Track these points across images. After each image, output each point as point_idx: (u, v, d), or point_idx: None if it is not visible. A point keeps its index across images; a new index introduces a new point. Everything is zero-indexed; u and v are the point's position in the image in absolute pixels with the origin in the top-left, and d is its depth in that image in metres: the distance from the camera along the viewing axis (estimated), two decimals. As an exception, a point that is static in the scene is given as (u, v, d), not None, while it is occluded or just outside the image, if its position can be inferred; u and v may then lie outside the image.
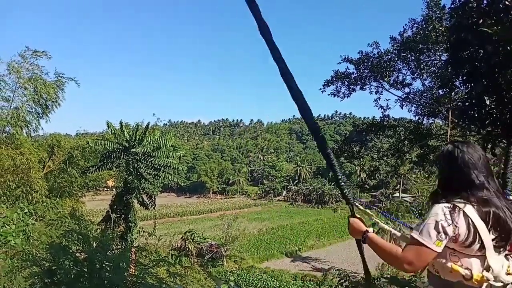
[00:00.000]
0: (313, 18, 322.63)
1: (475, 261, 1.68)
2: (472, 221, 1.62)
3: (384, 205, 61.71)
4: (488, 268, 1.65)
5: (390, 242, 1.94)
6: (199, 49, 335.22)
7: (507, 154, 11.67)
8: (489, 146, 7.75)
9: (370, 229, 2.06)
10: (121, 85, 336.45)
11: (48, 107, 20.24)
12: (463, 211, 1.64)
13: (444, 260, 1.73)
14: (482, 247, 1.63)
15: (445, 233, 1.64)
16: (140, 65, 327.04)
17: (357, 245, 2.25)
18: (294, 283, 42.75)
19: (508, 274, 1.67)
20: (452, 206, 1.67)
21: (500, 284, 1.65)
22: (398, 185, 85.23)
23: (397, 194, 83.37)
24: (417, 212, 48.59)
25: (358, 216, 2.16)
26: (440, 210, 1.67)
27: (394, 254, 1.75)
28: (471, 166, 1.74)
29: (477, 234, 1.62)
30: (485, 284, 1.64)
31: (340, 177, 2.24)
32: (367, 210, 2.25)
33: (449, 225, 1.64)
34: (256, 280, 43.92)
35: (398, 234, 2.25)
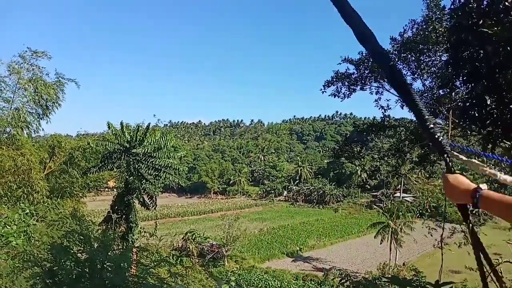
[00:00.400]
0: (314, 21, 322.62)
1: None
2: None
3: (385, 205, 61.60)
4: None
5: None
6: (200, 50, 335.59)
7: (510, 155, 11.68)
8: (490, 146, 7.75)
9: (484, 186, 1.38)
10: (122, 86, 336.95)
11: (49, 108, 20.28)
12: None
13: None
14: None
15: None
16: (141, 66, 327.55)
17: (463, 218, 1.49)
18: (295, 283, 42.77)
19: None
20: None
21: None
22: (399, 185, 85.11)
23: (398, 194, 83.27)
24: (417, 212, 48.54)
25: (458, 172, 1.48)
26: None
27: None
28: None
29: None
30: None
31: (427, 117, 1.45)
32: (474, 161, 1.46)
33: None
34: (257, 280, 43.93)
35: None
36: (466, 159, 1.49)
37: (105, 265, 4.38)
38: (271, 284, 42.67)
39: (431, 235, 25.68)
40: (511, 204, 1.26)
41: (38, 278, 4.45)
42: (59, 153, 24.53)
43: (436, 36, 13.75)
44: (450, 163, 1.47)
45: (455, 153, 1.47)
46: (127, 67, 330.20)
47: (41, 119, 20.33)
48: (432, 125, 1.45)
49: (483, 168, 1.45)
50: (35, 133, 21.06)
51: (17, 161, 18.12)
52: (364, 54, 16.63)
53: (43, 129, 21.43)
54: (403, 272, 33.13)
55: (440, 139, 1.44)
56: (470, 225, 1.46)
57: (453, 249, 21.80)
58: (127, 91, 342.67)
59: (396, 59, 16.13)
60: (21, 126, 19.40)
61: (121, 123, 23.15)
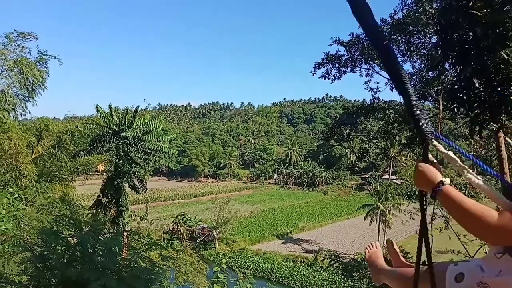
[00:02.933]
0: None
1: None
2: None
3: (374, 187, 62.36)
4: None
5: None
6: (189, 33, 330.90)
7: (497, 138, 11.84)
8: (477, 128, 7.84)
9: (447, 180, 1.43)
10: (111, 68, 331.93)
11: (35, 90, 19.91)
12: None
13: None
14: None
15: None
16: (129, 48, 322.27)
17: (420, 208, 1.51)
18: (286, 265, 43.42)
19: None
20: None
21: None
22: (388, 168, 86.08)
23: (386, 176, 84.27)
24: (406, 194, 49.27)
25: (432, 159, 1.49)
26: None
27: (486, 217, 1.24)
28: None
29: None
30: None
31: (414, 102, 1.45)
32: (450, 154, 1.43)
33: None
34: (248, 262, 44.50)
35: (493, 193, 1.39)
36: (447, 153, 1.45)
37: (96, 249, 4.38)
38: (261, 266, 43.27)
39: (413, 219, 26.11)
40: (464, 207, 1.28)
41: (28, 262, 4.44)
42: (46, 137, 24.20)
43: (426, 17, 13.70)
44: (426, 152, 1.47)
45: (437, 144, 1.45)
46: (115, 49, 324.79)
47: (27, 101, 20.00)
48: (418, 112, 1.43)
49: (462, 169, 1.45)
50: (21, 116, 20.75)
51: (3, 145, 17.88)
52: (354, 36, 16.54)
53: (29, 112, 21.14)
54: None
55: (423, 127, 1.42)
56: (423, 215, 1.49)
57: (439, 230, 22.23)
58: (116, 74, 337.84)
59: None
60: (7, 109, 19.05)
61: (110, 106, 22.88)
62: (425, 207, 1.49)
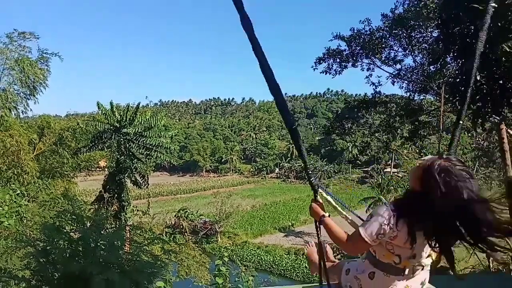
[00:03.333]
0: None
1: (405, 251, 1.95)
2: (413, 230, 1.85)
3: (376, 180, 62.40)
4: (414, 256, 1.99)
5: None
6: (189, 29, 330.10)
7: (499, 130, 11.83)
8: (479, 121, 7.83)
9: (327, 214, 2.30)
10: (112, 65, 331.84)
11: (36, 88, 20.01)
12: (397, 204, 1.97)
13: (380, 247, 2.01)
14: (413, 244, 1.89)
15: (384, 234, 1.90)
16: (130, 46, 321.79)
17: (315, 226, 2.39)
18: (288, 257, 43.57)
19: (427, 257, 2.05)
20: (399, 217, 1.89)
21: (420, 266, 2.05)
22: (390, 161, 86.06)
23: (388, 169, 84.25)
24: (407, 186, 49.33)
25: (321, 201, 2.39)
26: (386, 214, 1.91)
27: (341, 239, 2.10)
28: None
29: (414, 239, 1.86)
30: (408, 268, 2.01)
31: (308, 166, 2.51)
32: (328, 198, 2.46)
33: (390, 229, 1.88)
34: (250, 255, 44.68)
35: (349, 220, 2.45)
36: (326, 197, 2.46)
37: (98, 244, 4.40)
38: (263, 259, 43.44)
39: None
40: (332, 231, 2.16)
41: (31, 257, 4.47)
42: (48, 134, 24.25)
43: (427, 12, 13.66)
44: (316, 196, 2.41)
45: (321, 191, 2.46)
46: (117, 46, 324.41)
47: (29, 99, 20.10)
48: (310, 172, 2.57)
49: (336, 208, 2.53)
50: (23, 114, 20.88)
51: (5, 142, 17.93)
52: (355, 31, 16.52)
53: (31, 110, 21.22)
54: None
55: (313, 182, 2.45)
56: (319, 237, 2.49)
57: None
58: (117, 72, 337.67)
59: (388, 36, 16.05)
60: (8, 107, 19.14)
61: (111, 103, 22.95)
62: (319, 231, 2.41)
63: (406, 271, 2.01)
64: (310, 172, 2.50)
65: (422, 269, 2.08)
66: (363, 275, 2.13)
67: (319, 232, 2.39)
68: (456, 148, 2.71)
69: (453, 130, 2.62)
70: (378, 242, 1.95)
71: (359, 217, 2.31)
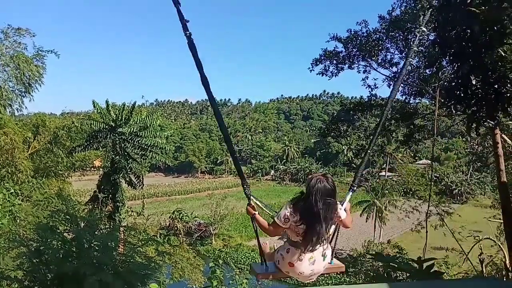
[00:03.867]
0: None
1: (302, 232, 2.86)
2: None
3: (370, 184, 62.58)
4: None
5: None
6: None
7: (493, 135, 11.88)
8: (474, 126, 7.85)
9: (257, 212, 3.24)
10: (108, 64, 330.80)
11: (31, 85, 19.85)
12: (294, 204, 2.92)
13: (290, 231, 2.92)
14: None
15: (288, 219, 2.86)
16: (126, 44, 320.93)
17: (251, 221, 3.26)
18: (282, 261, 43.52)
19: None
20: (294, 207, 2.90)
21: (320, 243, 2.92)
22: (384, 164, 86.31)
23: (383, 173, 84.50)
24: (402, 190, 49.42)
25: (253, 204, 3.27)
26: (288, 207, 2.91)
27: (265, 226, 3.12)
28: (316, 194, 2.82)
29: (303, 224, 2.83)
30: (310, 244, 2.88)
31: (243, 177, 3.41)
32: (258, 202, 3.37)
33: (292, 216, 2.86)
34: (244, 257, 44.59)
35: (271, 215, 3.26)
36: (256, 201, 3.36)
37: (92, 244, 4.37)
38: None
39: (408, 217, 26.30)
40: (260, 223, 3.17)
41: (24, 257, 4.43)
42: (43, 132, 24.12)
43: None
44: (249, 201, 3.26)
45: (252, 197, 3.29)
46: (113, 45, 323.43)
47: (24, 96, 19.93)
48: (245, 185, 3.32)
49: (265, 210, 3.51)
50: (18, 111, 20.71)
51: (0, 140, 17.81)
52: (352, 32, 16.53)
53: (26, 108, 21.03)
54: (387, 250, 33.93)
55: (246, 191, 3.29)
56: (256, 229, 3.31)
57: (434, 227, 22.38)
58: (114, 70, 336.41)
59: (384, 38, 16.07)
60: (3, 104, 18.98)
61: (107, 102, 22.86)
62: (254, 223, 3.26)
63: (306, 246, 2.87)
64: (245, 184, 3.31)
65: (321, 245, 2.94)
66: (283, 251, 3.03)
67: (254, 224, 3.25)
68: (360, 175, 4.13)
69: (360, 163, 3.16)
70: (288, 226, 2.88)
71: (276, 212, 3.14)
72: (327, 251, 3.01)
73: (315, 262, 2.95)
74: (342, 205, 3.07)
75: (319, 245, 2.90)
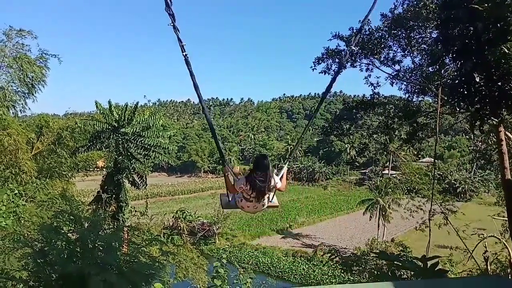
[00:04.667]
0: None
1: (252, 192, 4.04)
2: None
3: (373, 182, 62.44)
4: (257, 194, 4.06)
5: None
6: (188, 29, 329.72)
7: (497, 132, 11.83)
8: (478, 123, 7.82)
9: (227, 173, 4.32)
10: (111, 64, 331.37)
11: (34, 86, 19.88)
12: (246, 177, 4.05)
13: (243, 191, 4.06)
14: (253, 190, 4.02)
15: (244, 185, 3.99)
16: (130, 45, 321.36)
17: (223, 174, 4.36)
18: (285, 259, 43.54)
19: (267, 194, 4.15)
20: (245, 179, 4.04)
21: (262, 199, 4.13)
22: (388, 163, 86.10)
23: (386, 171, 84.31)
24: (405, 188, 49.25)
25: (226, 168, 4.31)
26: (242, 181, 4.03)
27: (230, 186, 4.29)
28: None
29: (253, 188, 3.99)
30: (255, 198, 4.08)
31: (222, 152, 4.52)
32: (229, 168, 4.31)
33: (243, 185, 4.01)
34: (248, 257, 44.64)
35: (237, 178, 4.26)
36: (230, 170, 4.36)
37: (96, 245, 4.38)
38: (261, 261, 43.40)
39: (413, 216, 26.21)
40: (227, 182, 4.40)
41: (29, 258, 4.45)
42: (46, 133, 24.17)
43: (427, 12, 13.64)
44: (224, 165, 4.37)
45: (227, 167, 4.34)
46: (115, 45, 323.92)
47: (27, 98, 19.96)
48: (222, 156, 4.63)
49: (233, 175, 4.35)
50: (21, 112, 20.73)
51: (3, 141, 17.85)
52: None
53: (29, 109, 21.04)
54: (391, 248, 33.87)
55: (225, 164, 4.42)
56: (228, 171, 4.37)
57: (438, 226, 22.30)
58: (116, 70, 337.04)
59: (387, 36, 16.00)
60: (6, 106, 19.03)
61: (109, 102, 22.88)
62: (225, 179, 4.41)
63: (254, 200, 4.09)
64: (223, 157, 4.50)
65: (266, 199, 4.17)
66: (239, 198, 4.20)
67: (226, 175, 4.34)
68: (295, 149, 4.85)
69: None
70: (241, 190, 4.06)
71: (239, 179, 4.16)
72: (266, 200, 4.19)
73: (257, 207, 4.23)
74: (278, 176, 4.28)
75: (261, 199, 4.12)
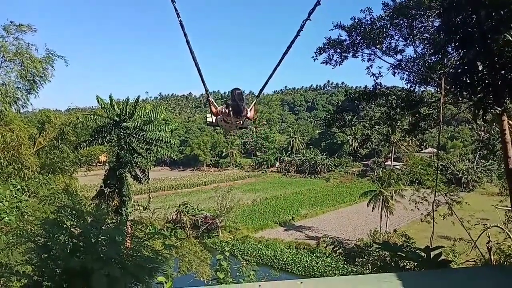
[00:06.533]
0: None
1: (230, 115, 4.79)
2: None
3: (376, 174, 62.36)
4: (234, 116, 4.87)
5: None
6: (189, 22, 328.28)
7: (500, 121, 11.75)
8: (481, 112, 7.75)
9: (212, 100, 5.18)
10: (112, 59, 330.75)
11: (36, 82, 19.83)
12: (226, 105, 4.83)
13: (224, 115, 4.87)
14: (231, 113, 4.77)
15: (223, 109, 4.88)
16: (131, 39, 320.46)
17: (207, 101, 5.29)
18: (288, 251, 43.74)
19: (241, 116, 4.91)
20: (225, 104, 4.84)
21: (238, 118, 4.89)
22: (390, 154, 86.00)
23: (388, 163, 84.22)
24: (408, 179, 49.23)
25: (211, 99, 5.14)
26: (224, 106, 4.87)
27: (213, 110, 5.11)
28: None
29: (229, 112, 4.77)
30: (231, 117, 4.87)
31: (205, 85, 4.93)
32: (212, 99, 5.20)
33: (224, 109, 4.82)
34: (251, 249, 44.85)
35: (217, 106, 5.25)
36: (212, 100, 5.29)
37: (99, 239, 4.37)
38: (264, 253, 43.60)
39: (418, 208, 26.21)
40: (212, 108, 5.21)
41: (32, 253, 4.45)
42: (49, 129, 24.18)
43: (429, 0, 13.51)
44: (209, 97, 5.19)
45: (210, 98, 5.29)
46: (117, 40, 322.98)
47: (29, 93, 19.91)
48: (207, 97, 5.25)
49: (214, 105, 5.26)
50: (23, 108, 20.68)
51: (6, 137, 17.87)
52: (356, 20, 16.33)
53: (31, 104, 21.00)
54: (393, 239, 33.89)
55: (208, 96, 5.15)
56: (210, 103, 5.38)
57: (443, 217, 22.30)
58: (118, 65, 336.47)
59: (389, 25, 15.86)
60: (8, 102, 18.99)
61: (110, 97, 22.84)
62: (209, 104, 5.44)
63: (231, 120, 4.86)
64: (207, 89, 4.98)
65: (239, 121, 4.98)
66: (221, 119, 4.97)
67: (209, 104, 5.25)
68: (263, 88, 5.33)
69: None
70: (222, 113, 4.88)
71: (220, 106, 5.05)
72: (241, 119, 4.96)
73: (232, 126, 5.07)
74: (249, 107, 5.03)
75: (237, 120, 4.93)
